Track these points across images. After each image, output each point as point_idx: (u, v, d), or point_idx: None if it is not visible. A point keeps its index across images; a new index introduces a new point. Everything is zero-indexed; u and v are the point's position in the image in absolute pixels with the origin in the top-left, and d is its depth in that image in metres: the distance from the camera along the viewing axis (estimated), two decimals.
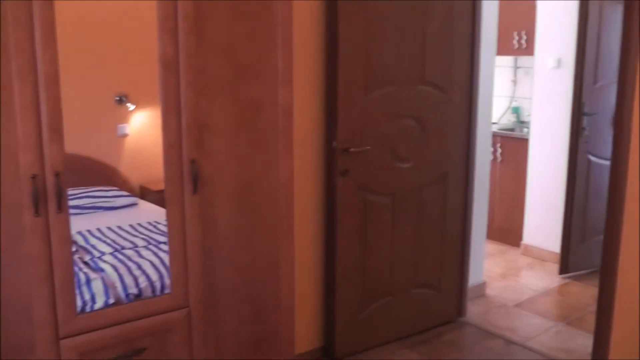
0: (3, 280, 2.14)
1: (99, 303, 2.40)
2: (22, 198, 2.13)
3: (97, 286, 2.44)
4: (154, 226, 2.86)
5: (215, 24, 2.43)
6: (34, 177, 2.12)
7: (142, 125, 2.89)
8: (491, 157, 5.57)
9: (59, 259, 2.21)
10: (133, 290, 2.50)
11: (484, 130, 4.24)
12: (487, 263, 5.04)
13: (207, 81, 2.44)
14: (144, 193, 2.98)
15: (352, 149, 3.39)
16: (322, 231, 3.55)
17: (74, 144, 2.39)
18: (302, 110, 3.28)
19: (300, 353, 3.55)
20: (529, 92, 5.68)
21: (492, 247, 5.61)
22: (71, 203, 2.30)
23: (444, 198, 3.89)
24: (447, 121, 3.80)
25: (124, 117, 2.87)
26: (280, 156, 2.68)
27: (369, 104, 3.43)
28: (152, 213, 2.88)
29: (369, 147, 3.45)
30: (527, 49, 5.55)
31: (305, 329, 3.61)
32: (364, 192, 3.52)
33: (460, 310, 4.16)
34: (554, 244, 5.07)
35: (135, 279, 2.53)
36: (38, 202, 2.14)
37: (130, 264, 2.59)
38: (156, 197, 2.82)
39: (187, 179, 2.43)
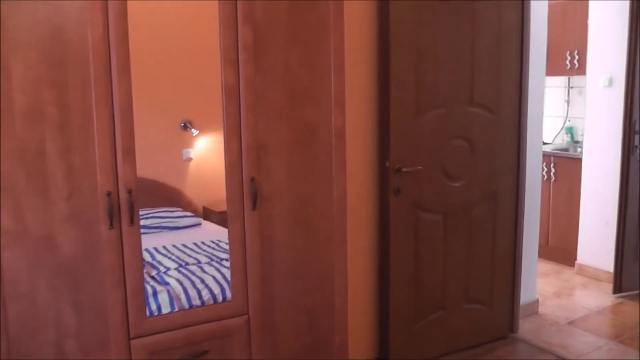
0: (82, 286, 2.37)
1: (165, 313, 2.60)
2: (99, 212, 2.36)
3: (163, 298, 2.62)
4: (217, 244, 2.99)
5: (272, 53, 2.62)
6: (109, 194, 2.35)
7: (206, 149, 3.02)
8: (544, 176, 5.63)
9: (130, 267, 2.43)
10: (196, 302, 2.67)
11: (535, 149, 4.31)
12: (541, 282, 5.08)
13: (265, 106, 2.63)
14: (207, 214, 3.09)
15: (404, 169, 3.52)
16: (376, 247, 3.68)
17: (142, 168, 2.53)
18: (356, 132, 3.43)
19: None
20: (582, 111, 5.69)
21: (546, 266, 5.63)
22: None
23: (494, 216, 3.97)
24: (497, 141, 3.89)
25: (189, 142, 3.01)
26: (334, 175, 2.83)
27: (420, 125, 3.56)
28: (214, 232, 3.01)
29: (420, 167, 3.58)
30: (580, 69, 5.59)
31: (360, 341, 3.72)
32: (416, 209, 3.64)
33: (512, 326, 4.20)
34: (609, 263, 5.05)
35: (199, 292, 2.69)
36: (112, 216, 2.36)
37: (194, 278, 2.74)
38: (218, 218, 2.97)
39: (247, 196, 2.62)
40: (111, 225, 2.37)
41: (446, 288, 3.87)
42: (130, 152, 2.37)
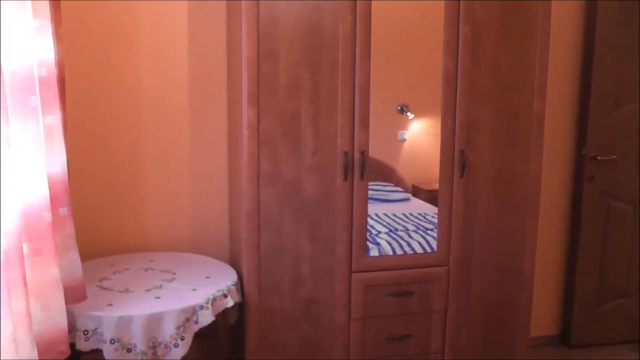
0: (318, 223, 2.93)
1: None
2: (336, 167, 2.92)
3: (374, 254, 3.06)
4: (423, 217, 3.26)
5: (486, 48, 3.03)
6: (346, 153, 2.91)
7: (419, 132, 3.26)
8: None
9: (357, 213, 2.97)
10: None
11: None
12: None
13: (476, 92, 3.05)
14: (416, 191, 3.33)
15: (599, 157, 3.77)
16: (566, 227, 3.95)
17: None
18: (555, 121, 3.72)
19: (539, 336, 3.95)
20: None
21: None
22: None
23: None
24: None
25: (404, 125, 3.26)
26: (532, 156, 3.17)
27: (617, 117, 3.80)
28: (422, 207, 3.26)
29: (615, 157, 3.80)
30: None
31: (544, 317, 3.99)
32: (608, 197, 3.86)
33: None
34: None
35: (405, 253, 3.11)
36: (347, 171, 2.92)
37: (401, 242, 3.12)
38: (426, 196, 3.24)
39: (456, 165, 3.05)
40: (345, 178, 2.93)
41: (631, 277, 4.02)
42: (365, 122, 2.91)
